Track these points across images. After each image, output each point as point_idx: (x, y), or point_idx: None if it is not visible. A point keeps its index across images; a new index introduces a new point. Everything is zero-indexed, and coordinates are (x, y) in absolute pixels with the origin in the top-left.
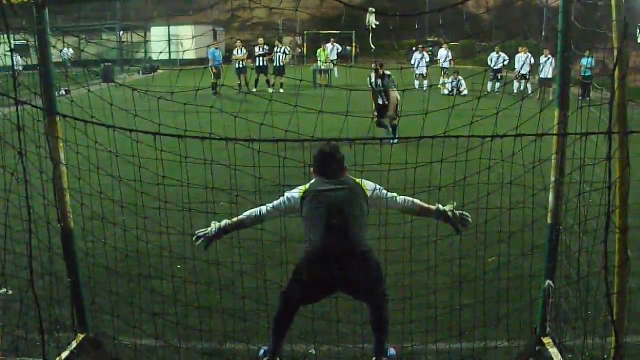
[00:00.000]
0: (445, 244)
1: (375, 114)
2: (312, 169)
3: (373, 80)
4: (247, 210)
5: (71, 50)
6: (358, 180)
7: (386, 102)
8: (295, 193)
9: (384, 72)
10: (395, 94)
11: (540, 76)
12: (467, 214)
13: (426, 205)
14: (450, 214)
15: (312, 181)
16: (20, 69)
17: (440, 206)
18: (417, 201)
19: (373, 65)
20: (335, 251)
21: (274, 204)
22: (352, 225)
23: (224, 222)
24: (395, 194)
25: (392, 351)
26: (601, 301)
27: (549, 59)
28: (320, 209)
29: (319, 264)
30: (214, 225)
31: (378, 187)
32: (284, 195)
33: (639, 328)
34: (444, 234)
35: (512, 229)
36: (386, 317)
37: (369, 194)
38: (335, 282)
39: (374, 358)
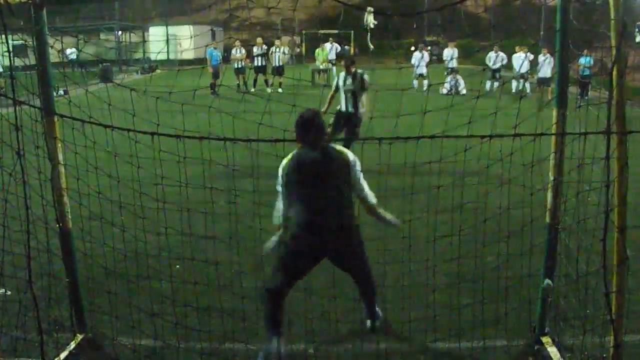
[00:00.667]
0: (445, 243)
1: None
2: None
3: (342, 80)
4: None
5: (75, 51)
6: (339, 149)
7: (350, 109)
8: (280, 169)
9: (355, 71)
10: (364, 107)
11: (539, 75)
12: (398, 223)
13: (374, 208)
14: (388, 221)
15: (295, 152)
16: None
17: (382, 212)
18: (372, 200)
19: (342, 63)
20: (322, 220)
21: (279, 191)
22: (337, 194)
23: (274, 239)
24: (365, 183)
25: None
26: (600, 300)
27: (547, 58)
28: (304, 179)
29: (309, 232)
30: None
31: (357, 161)
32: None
33: (637, 327)
34: (443, 233)
35: (511, 228)
36: (373, 286)
37: (350, 163)
38: (323, 250)
39: (368, 321)
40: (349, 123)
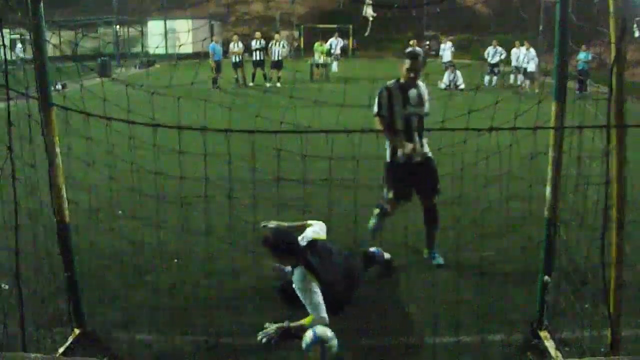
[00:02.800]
0: (443, 237)
1: (389, 197)
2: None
3: (398, 99)
4: None
5: (20, 46)
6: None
7: (423, 148)
8: None
9: (416, 77)
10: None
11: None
12: None
13: None
14: None
15: None
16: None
17: None
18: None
19: (409, 47)
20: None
21: None
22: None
23: None
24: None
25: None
26: (597, 295)
27: (528, 52)
28: None
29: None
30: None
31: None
32: None
33: (634, 320)
34: (441, 227)
35: (510, 222)
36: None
37: None
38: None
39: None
40: (428, 173)
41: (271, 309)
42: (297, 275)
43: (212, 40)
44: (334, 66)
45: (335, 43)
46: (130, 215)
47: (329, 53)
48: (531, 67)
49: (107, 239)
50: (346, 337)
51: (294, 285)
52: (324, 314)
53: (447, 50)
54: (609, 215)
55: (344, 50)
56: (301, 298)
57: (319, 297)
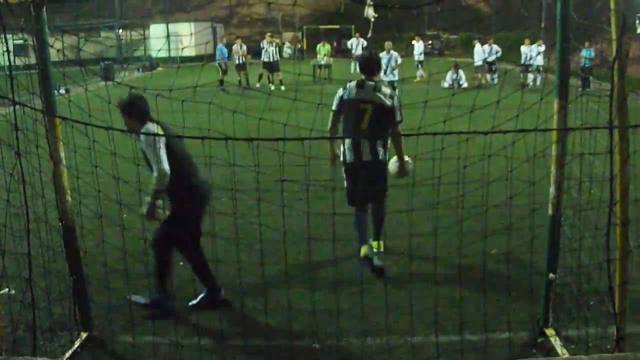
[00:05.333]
0: (447, 235)
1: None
2: None
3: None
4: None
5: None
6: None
7: (368, 158)
8: None
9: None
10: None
11: (478, 63)
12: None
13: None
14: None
15: None
16: None
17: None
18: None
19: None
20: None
21: None
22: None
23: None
24: None
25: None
26: (603, 292)
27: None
28: None
29: None
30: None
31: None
32: None
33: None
34: (445, 225)
35: (514, 220)
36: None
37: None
38: None
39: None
40: (375, 176)
41: (277, 309)
42: (144, 133)
43: (214, 44)
44: (352, 67)
45: (357, 43)
46: (134, 218)
47: (349, 52)
48: (539, 61)
49: (112, 241)
50: (350, 336)
51: (142, 146)
52: (166, 166)
53: (418, 49)
54: (614, 212)
55: (342, 50)
56: (150, 157)
57: (164, 153)
